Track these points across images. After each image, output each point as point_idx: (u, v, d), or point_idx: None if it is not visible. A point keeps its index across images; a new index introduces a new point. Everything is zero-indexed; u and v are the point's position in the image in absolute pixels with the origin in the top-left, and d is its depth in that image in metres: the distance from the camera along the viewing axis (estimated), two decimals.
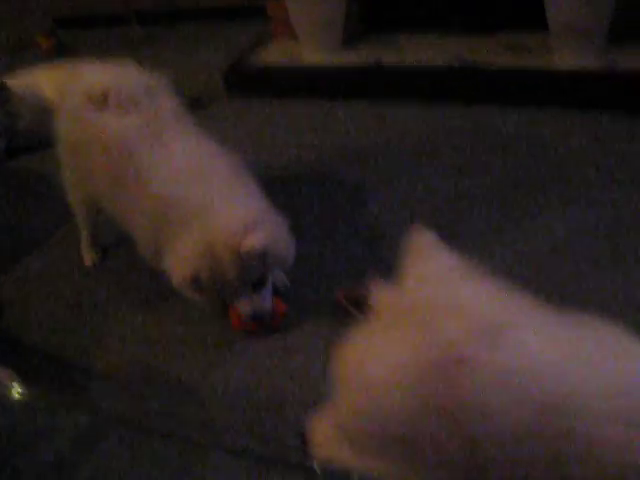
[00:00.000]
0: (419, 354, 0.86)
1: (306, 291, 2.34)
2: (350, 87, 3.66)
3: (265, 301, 2.12)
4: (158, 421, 1.92)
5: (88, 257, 2.73)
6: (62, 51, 5.15)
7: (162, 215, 2.07)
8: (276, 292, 2.23)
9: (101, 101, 2.23)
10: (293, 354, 2.10)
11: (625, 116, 2.96)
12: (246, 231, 1.97)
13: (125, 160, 2.16)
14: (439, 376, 0.85)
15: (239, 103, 3.87)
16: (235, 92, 3.93)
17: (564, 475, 0.84)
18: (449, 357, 0.85)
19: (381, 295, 0.97)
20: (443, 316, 0.89)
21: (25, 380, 1.92)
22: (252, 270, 2.02)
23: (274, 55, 3.99)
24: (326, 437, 1.02)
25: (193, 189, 2.07)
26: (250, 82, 3.93)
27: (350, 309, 2.12)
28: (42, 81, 3.69)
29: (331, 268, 2.41)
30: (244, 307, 2.11)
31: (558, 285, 2.17)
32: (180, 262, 2.01)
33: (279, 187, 2.84)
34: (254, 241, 1.94)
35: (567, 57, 3.23)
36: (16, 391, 1.58)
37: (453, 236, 2.41)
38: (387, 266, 0.94)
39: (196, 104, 3.81)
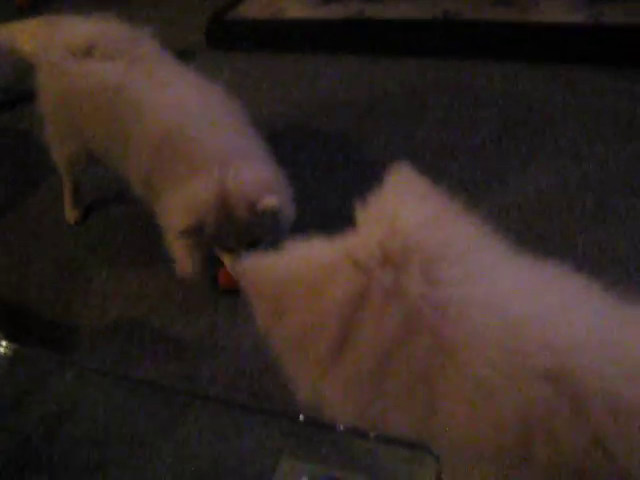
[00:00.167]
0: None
1: None
2: (333, 41, 3.61)
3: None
4: (143, 374, 1.93)
5: (71, 215, 2.70)
6: (36, 6, 5.03)
7: (165, 152, 2.04)
8: None
9: (84, 53, 2.21)
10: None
11: (611, 70, 2.95)
12: (266, 188, 1.95)
13: (118, 101, 2.14)
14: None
15: (221, 58, 3.80)
16: (217, 46, 3.87)
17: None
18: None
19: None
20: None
21: (10, 338, 1.91)
22: (258, 229, 2.00)
23: (256, 8, 3.92)
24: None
25: (204, 132, 2.04)
26: (232, 36, 3.87)
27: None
28: (19, 36, 3.61)
29: (311, 223, 2.40)
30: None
31: (542, 238, 2.18)
32: (186, 208, 1.96)
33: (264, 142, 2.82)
34: (273, 201, 1.92)
35: (553, 11, 3.20)
36: (2, 348, 1.58)
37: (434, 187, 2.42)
38: None
39: (180, 59, 3.76)
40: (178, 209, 1.98)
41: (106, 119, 2.20)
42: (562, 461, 0.90)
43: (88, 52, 2.21)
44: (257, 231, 2.01)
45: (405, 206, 1.03)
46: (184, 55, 3.81)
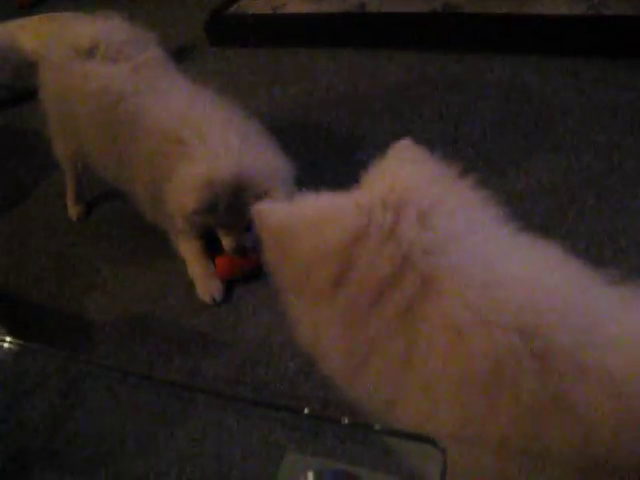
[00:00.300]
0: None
1: None
2: (333, 35, 3.60)
3: (249, 240, 2.12)
4: (147, 370, 1.93)
5: (73, 211, 2.71)
6: (37, 4, 5.03)
7: (163, 149, 2.07)
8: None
9: (88, 53, 2.21)
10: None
11: (611, 62, 2.94)
12: (275, 177, 2.00)
13: (116, 105, 2.15)
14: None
15: (221, 53, 3.80)
16: (217, 42, 3.86)
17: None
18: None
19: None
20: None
21: (14, 333, 1.92)
22: None
23: (256, 4, 3.91)
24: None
25: (198, 124, 2.06)
26: (232, 32, 3.86)
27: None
28: (20, 33, 3.61)
29: None
30: (231, 242, 2.13)
31: (543, 231, 2.17)
32: (203, 183, 1.97)
33: None
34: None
35: (553, 2, 3.19)
36: (7, 343, 1.58)
37: None
38: None
39: (180, 55, 3.76)
40: (189, 188, 1.99)
41: (103, 124, 2.22)
42: (524, 417, 0.95)
43: (91, 52, 2.22)
44: None
45: (404, 168, 1.13)
46: (184, 51, 3.82)
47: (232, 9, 3.92)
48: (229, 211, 2.02)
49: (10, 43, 3.55)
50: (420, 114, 2.91)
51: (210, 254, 2.27)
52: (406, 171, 1.12)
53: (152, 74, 2.21)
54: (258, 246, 2.17)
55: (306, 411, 0.94)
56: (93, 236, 2.61)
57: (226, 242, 2.14)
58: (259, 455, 1.20)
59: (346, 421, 0.91)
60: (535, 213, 2.27)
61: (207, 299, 2.17)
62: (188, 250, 2.28)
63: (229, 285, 2.22)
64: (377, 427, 0.88)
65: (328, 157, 2.74)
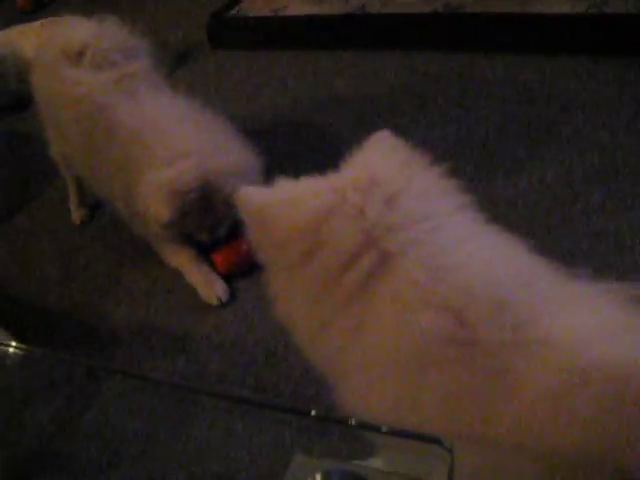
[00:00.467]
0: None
1: None
2: (335, 37, 3.60)
3: (223, 229, 2.16)
4: (152, 373, 1.94)
5: (76, 215, 2.72)
6: (39, 8, 5.04)
7: (134, 160, 2.09)
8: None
9: (77, 57, 2.20)
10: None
11: (612, 60, 2.94)
12: (240, 176, 2.00)
13: (96, 114, 2.16)
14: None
15: (223, 55, 3.81)
16: (219, 45, 3.87)
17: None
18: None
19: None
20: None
21: (20, 338, 1.93)
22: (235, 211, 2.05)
23: (257, 6, 3.92)
24: None
25: (169, 133, 2.10)
26: (234, 34, 3.87)
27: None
28: (21, 40, 3.62)
29: None
30: (206, 237, 2.18)
31: (548, 230, 2.18)
32: (167, 194, 1.99)
33: (266, 139, 2.83)
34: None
35: (553, 2, 3.19)
36: (12, 348, 1.59)
37: None
38: None
39: (182, 58, 3.77)
40: (158, 198, 2.01)
41: (84, 133, 2.24)
42: (446, 401, 1.01)
43: (80, 57, 2.22)
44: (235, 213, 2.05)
45: (378, 155, 1.23)
46: (186, 54, 3.83)
47: (233, 12, 3.92)
48: (203, 213, 2.04)
49: (12, 49, 3.55)
50: (423, 115, 2.90)
51: (203, 255, 2.28)
52: (379, 158, 1.21)
53: (135, 86, 2.20)
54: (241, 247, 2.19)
55: (313, 413, 0.94)
56: (96, 240, 2.61)
57: (201, 238, 2.17)
58: (266, 457, 1.20)
59: (353, 422, 0.91)
60: (539, 212, 2.27)
61: (213, 302, 2.17)
62: (180, 261, 2.28)
63: (233, 286, 2.22)
64: (384, 428, 0.88)
65: (331, 158, 2.73)
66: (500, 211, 2.28)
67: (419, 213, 1.10)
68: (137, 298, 2.29)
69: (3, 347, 1.71)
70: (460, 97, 2.97)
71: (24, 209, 2.90)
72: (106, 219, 2.70)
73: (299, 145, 2.85)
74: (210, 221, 2.10)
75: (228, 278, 2.24)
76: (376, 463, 0.98)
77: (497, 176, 2.46)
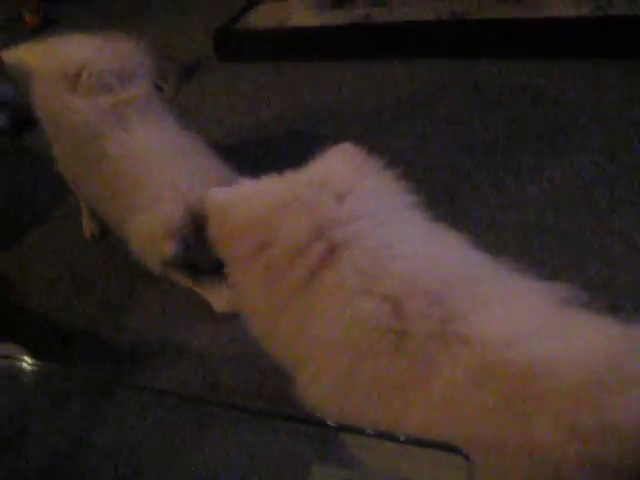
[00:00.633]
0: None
1: None
2: (341, 47, 3.62)
3: None
4: (166, 386, 1.94)
5: (88, 229, 2.73)
6: (48, 26, 5.09)
7: (126, 192, 2.11)
8: None
9: (74, 79, 2.21)
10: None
11: (618, 62, 2.94)
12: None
13: (89, 141, 2.17)
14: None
15: (230, 68, 3.83)
16: (226, 57, 3.89)
17: None
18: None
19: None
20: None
21: (34, 353, 1.94)
22: None
23: (263, 18, 3.94)
24: None
25: (160, 167, 2.10)
26: (240, 46, 3.89)
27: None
28: (27, 55, 3.64)
29: None
30: (202, 265, 2.18)
31: (558, 233, 2.18)
32: (163, 234, 2.01)
33: (273, 148, 2.84)
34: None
35: (558, 5, 3.20)
36: (26, 364, 1.59)
37: (451, 191, 2.43)
38: None
39: (190, 72, 3.79)
40: (154, 237, 2.02)
41: (79, 158, 2.26)
42: (383, 383, 1.06)
43: (77, 78, 2.21)
44: None
45: (333, 160, 1.30)
46: (194, 67, 3.85)
47: (239, 24, 3.95)
48: (202, 243, 2.03)
49: (22, 66, 3.57)
50: (431, 122, 2.91)
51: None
52: (334, 162, 1.28)
53: (129, 113, 2.19)
54: None
55: (330, 423, 0.94)
56: (108, 254, 2.62)
57: (205, 267, 2.17)
58: (284, 469, 1.20)
59: (370, 431, 0.91)
60: (549, 214, 2.27)
61: (227, 309, 2.16)
62: (188, 280, 2.29)
63: None
64: (402, 437, 0.88)
65: None
66: (511, 216, 2.29)
67: (365, 210, 1.17)
68: (150, 311, 2.30)
69: (17, 362, 1.71)
70: (467, 104, 2.98)
71: (36, 225, 2.92)
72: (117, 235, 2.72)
73: (307, 154, 2.85)
74: (210, 251, 2.08)
75: None
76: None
77: (506, 181, 2.46)
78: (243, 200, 1.23)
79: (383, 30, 3.53)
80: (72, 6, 5.36)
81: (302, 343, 1.17)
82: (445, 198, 2.40)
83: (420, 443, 0.88)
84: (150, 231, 2.03)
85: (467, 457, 0.84)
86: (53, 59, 2.33)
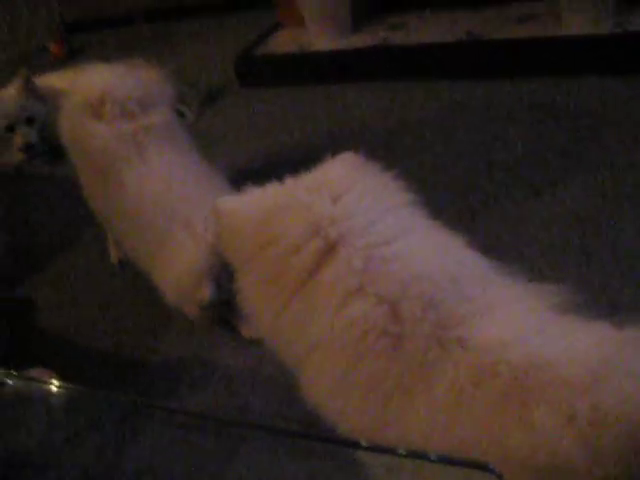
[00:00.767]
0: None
1: None
2: (361, 70, 3.66)
3: None
4: (196, 408, 1.95)
5: (114, 254, 2.77)
6: (72, 55, 5.19)
7: (142, 224, 2.17)
8: None
9: (98, 107, 2.25)
10: None
11: (638, 78, 2.93)
12: None
13: (108, 168, 2.22)
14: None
15: (252, 93, 3.88)
16: (247, 83, 3.95)
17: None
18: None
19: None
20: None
21: (63, 376, 1.96)
22: None
23: (283, 44, 4.00)
24: None
25: (175, 205, 2.14)
26: (261, 72, 3.95)
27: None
28: (55, 81, 3.71)
29: None
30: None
31: (585, 250, 2.17)
32: (196, 279, 2.05)
33: (297, 171, 2.85)
34: None
35: (578, 23, 3.20)
36: (55, 386, 1.61)
37: (472, 209, 2.43)
38: None
39: (212, 98, 3.84)
40: (186, 289, 2.07)
41: (99, 184, 2.30)
42: (380, 384, 1.09)
43: (102, 106, 2.25)
44: None
45: (333, 166, 1.35)
46: (216, 93, 3.90)
47: (259, 50, 4.00)
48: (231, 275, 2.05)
49: (51, 90, 3.64)
50: (452, 143, 2.92)
51: None
52: (333, 168, 1.33)
53: (148, 140, 2.23)
54: None
55: (363, 443, 0.94)
56: (135, 279, 2.64)
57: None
58: None
59: (403, 451, 0.91)
60: (572, 232, 2.26)
61: (255, 334, 2.18)
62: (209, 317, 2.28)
63: None
64: (433, 456, 0.88)
65: None
66: (534, 232, 2.28)
67: (361, 208, 1.20)
68: (178, 335, 2.32)
69: (46, 386, 1.73)
70: (487, 123, 2.99)
71: (65, 252, 2.97)
72: None
73: None
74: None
75: None
76: None
77: (529, 198, 2.46)
78: (247, 205, 1.28)
79: (402, 53, 3.56)
80: (96, 35, 5.48)
81: (302, 342, 1.20)
82: (466, 216, 2.41)
83: (451, 462, 0.88)
84: (180, 283, 2.08)
85: (500, 476, 0.84)
86: (78, 88, 2.38)
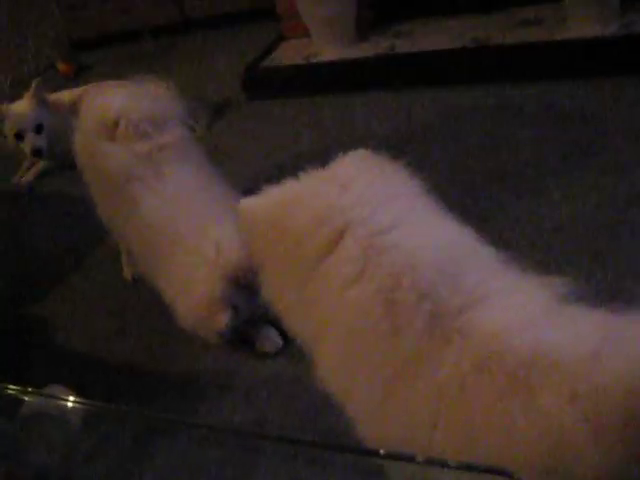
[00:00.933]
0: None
1: None
2: (367, 79, 3.66)
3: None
4: (212, 422, 1.95)
5: (128, 271, 2.78)
6: (80, 73, 5.23)
7: (157, 243, 2.20)
8: None
9: (112, 128, 2.28)
10: None
11: None
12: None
13: (123, 189, 2.25)
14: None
15: (259, 106, 3.89)
16: (254, 95, 3.96)
17: None
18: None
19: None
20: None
21: (78, 392, 1.97)
22: None
23: (289, 55, 4.01)
24: None
25: (189, 227, 2.16)
26: (268, 84, 3.96)
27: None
28: (67, 97, 3.75)
29: None
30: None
31: (596, 255, 2.16)
32: (210, 309, 2.06)
33: None
34: None
35: (582, 26, 3.20)
36: (72, 402, 1.62)
37: (482, 215, 2.42)
38: None
39: (219, 111, 3.86)
40: (203, 318, 2.08)
41: (115, 201, 2.33)
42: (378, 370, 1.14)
43: (116, 127, 2.28)
44: None
45: (345, 160, 1.40)
46: (223, 106, 3.92)
47: (266, 62, 4.02)
48: (246, 295, 2.06)
49: (62, 103, 3.68)
50: (461, 149, 2.92)
51: None
52: (344, 163, 1.38)
53: (164, 159, 2.26)
54: None
55: (382, 452, 0.95)
56: (148, 295, 2.64)
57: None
58: None
59: (420, 458, 0.92)
60: (585, 236, 2.25)
61: (271, 349, 2.18)
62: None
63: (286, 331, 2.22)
64: (452, 463, 0.88)
65: None
66: (547, 237, 2.28)
67: (368, 197, 1.25)
68: (194, 350, 2.32)
69: (62, 402, 1.74)
70: (495, 128, 2.98)
71: (78, 268, 2.98)
72: None
73: None
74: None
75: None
76: None
77: (540, 203, 2.46)
78: (265, 201, 1.34)
79: (408, 60, 3.57)
80: (102, 52, 5.51)
81: (313, 324, 1.26)
82: (476, 220, 2.40)
83: (470, 468, 0.88)
84: (196, 311, 2.09)
85: None
86: (91, 109, 2.40)
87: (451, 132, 3.07)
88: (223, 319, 2.06)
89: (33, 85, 3.59)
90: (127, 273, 2.78)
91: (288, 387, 2.05)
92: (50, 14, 5.61)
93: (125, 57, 5.17)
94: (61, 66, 5.28)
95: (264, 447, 1.49)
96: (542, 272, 1.18)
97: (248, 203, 1.38)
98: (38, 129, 3.54)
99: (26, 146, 3.54)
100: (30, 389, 1.64)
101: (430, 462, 0.91)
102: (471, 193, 2.60)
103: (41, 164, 3.89)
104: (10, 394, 1.59)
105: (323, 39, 3.86)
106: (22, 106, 3.57)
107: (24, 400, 1.63)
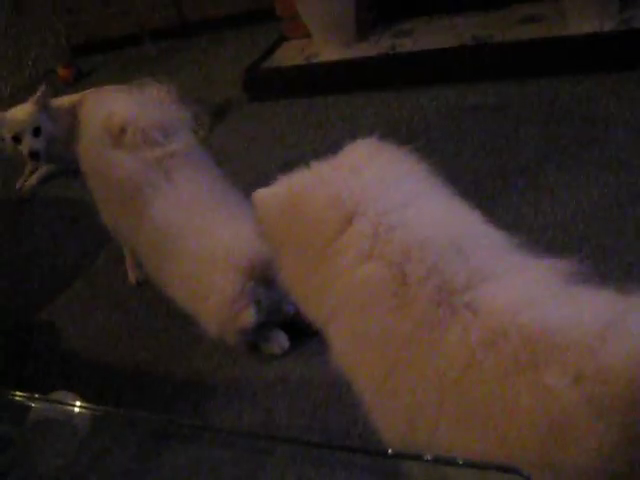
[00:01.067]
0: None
1: None
2: (368, 79, 3.67)
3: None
4: (219, 424, 1.95)
5: (132, 275, 2.78)
6: (81, 78, 5.24)
7: (169, 250, 2.19)
8: None
9: (119, 135, 2.27)
10: None
11: None
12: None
13: (134, 196, 2.24)
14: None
15: (260, 107, 3.89)
16: (255, 96, 3.96)
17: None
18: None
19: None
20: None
21: (85, 398, 1.97)
22: None
23: (289, 56, 4.01)
24: None
25: (203, 231, 2.17)
26: (269, 85, 3.96)
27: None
28: (68, 101, 3.77)
29: None
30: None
31: (601, 251, 2.16)
32: (230, 315, 2.06)
33: None
34: None
35: (582, 22, 3.19)
36: (80, 408, 1.62)
37: (487, 213, 2.41)
38: None
39: (220, 113, 3.87)
40: (227, 318, 2.07)
41: (124, 208, 2.33)
42: (387, 339, 1.17)
43: (122, 134, 2.27)
44: None
45: (354, 147, 1.41)
46: (224, 108, 3.92)
47: (267, 63, 4.02)
48: (273, 289, 2.05)
49: (63, 108, 3.69)
50: (464, 147, 2.92)
51: None
52: (351, 149, 1.40)
53: (176, 166, 2.26)
54: None
55: (390, 451, 0.94)
56: (154, 299, 2.65)
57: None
58: None
59: (428, 457, 0.91)
60: (590, 233, 2.25)
61: (277, 351, 2.18)
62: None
63: (293, 333, 2.23)
64: (460, 461, 0.88)
65: None
66: (551, 234, 2.27)
67: (376, 179, 1.28)
68: (199, 352, 2.32)
69: (69, 408, 1.74)
70: (497, 126, 2.98)
71: (83, 274, 2.98)
72: None
73: None
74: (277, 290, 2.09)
75: (286, 326, 2.25)
76: None
77: (544, 200, 2.45)
78: (278, 190, 1.37)
79: (409, 59, 3.57)
80: (103, 57, 5.52)
81: (326, 304, 1.28)
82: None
83: (479, 466, 0.88)
84: (221, 313, 2.08)
85: (529, 478, 0.84)
86: (95, 115, 2.40)
87: (452, 130, 3.07)
88: (249, 315, 2.04)
89: (40, 90, 3.61)
90: (131, 277, 2.78)
91: (295, 388, 2.05)
92: (49, 19, 5.62)
93: (125, 62, 5.19)
94: (61, 71, 5.28)
95: (272, 449, 1.48)
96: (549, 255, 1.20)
97: (263, 193, 1.41)
98: (36, 132, 3.56)
99: (23, 148, 3.56)
100: (37, 395, 1.64)
101: (438, 460, 0.91)
102: (473, 190, 2.60)
103: (44, 169, 3.90)
104: (17, 401, 1.59)
105: (324, 39, 3.86)
106: (21, 110, 3.59)
107: (31, 406, 1.63)
